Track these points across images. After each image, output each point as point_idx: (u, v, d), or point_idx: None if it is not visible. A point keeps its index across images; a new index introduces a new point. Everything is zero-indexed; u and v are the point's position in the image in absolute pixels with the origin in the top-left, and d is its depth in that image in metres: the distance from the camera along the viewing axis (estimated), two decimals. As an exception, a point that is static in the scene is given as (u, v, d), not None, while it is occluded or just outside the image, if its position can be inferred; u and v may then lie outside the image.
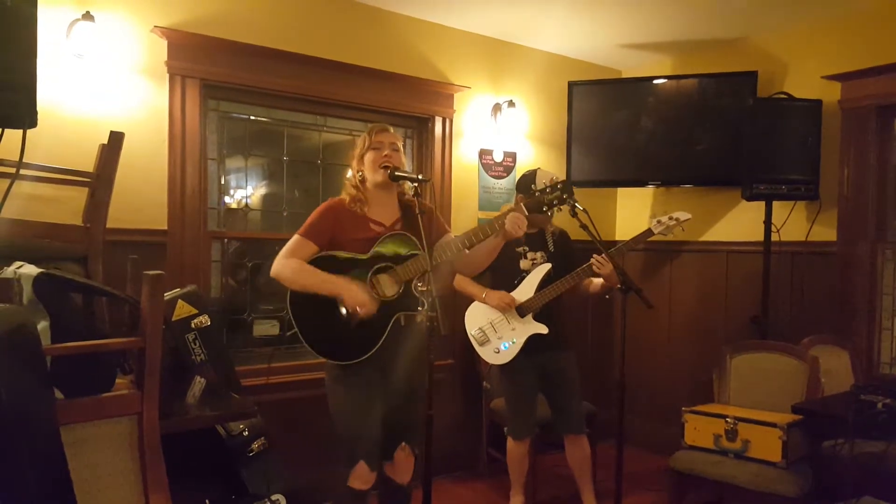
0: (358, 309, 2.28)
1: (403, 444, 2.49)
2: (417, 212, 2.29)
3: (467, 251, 2.43)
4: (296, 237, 2.41)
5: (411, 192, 2.47)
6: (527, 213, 2.41)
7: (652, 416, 4.35)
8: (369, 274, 2.37)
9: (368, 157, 2.44)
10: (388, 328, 2.36)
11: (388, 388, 2.41)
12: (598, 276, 3.02)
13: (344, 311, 2.31)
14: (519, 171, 3.91)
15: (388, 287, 2.39)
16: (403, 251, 2.42)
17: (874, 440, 2.57)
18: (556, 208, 2.43)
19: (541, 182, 2.99)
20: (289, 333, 3.40)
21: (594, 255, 2.93)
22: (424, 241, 2.27)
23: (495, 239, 2.42)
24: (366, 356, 2.34)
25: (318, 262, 2.37)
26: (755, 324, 3.74)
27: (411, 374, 2.44)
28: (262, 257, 3.47)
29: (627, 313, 2.76)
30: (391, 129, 2.51)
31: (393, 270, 2.39)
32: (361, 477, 2.38)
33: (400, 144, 2.49)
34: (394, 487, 2.54)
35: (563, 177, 3.59)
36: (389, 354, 2.38)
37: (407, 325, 2.42)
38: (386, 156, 2.42)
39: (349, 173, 2.55)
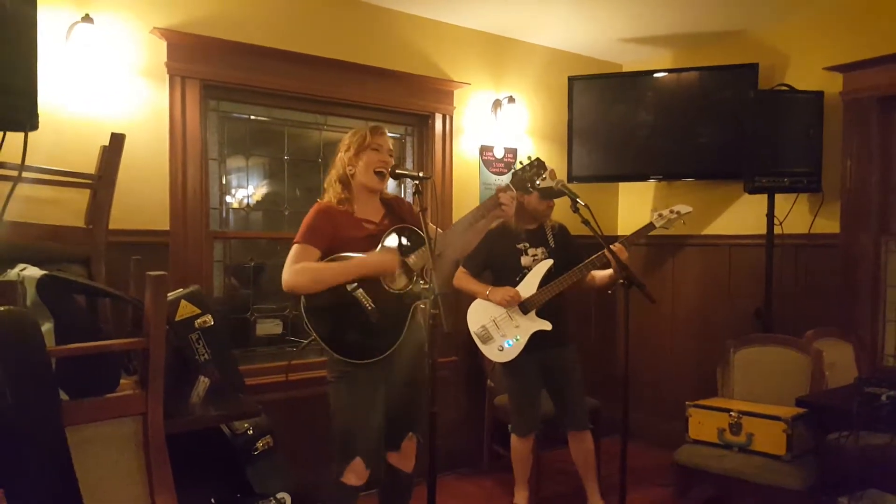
0: (389, 272, 2.34)
1: (410, 434, 2.53)
2: (419, 210, 2.26)
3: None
4: (297, 246, 2.35)
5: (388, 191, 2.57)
6: (515, 192, 2.44)
7: (656, 411, 4.35)
8: None
9: (366, 156, 2.42)
10: (409, 319, 2.40)
11: (393, 381, 2.43)
12: (600, 268, 3.01)
13: (368, 305, 2.33)
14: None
15: (398, 280, 2.41)
16: (408, 243, 2.44)
17: (879, 432, 2.58)
18: (538, 184, 2.48)
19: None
20: (291, 338, 3.42)
21: (615, 244, 2.86)
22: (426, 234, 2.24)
23: (487, 221, 2.46)
24: (391, 350, 2.36)
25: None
26: (758, 317, 3.74)
27: (415, 365, 2.47)
28: (264, 256, 3.48)
29: (630, 308, 2.75)
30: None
31: (402, 262, 2.40)
32: (357, 472, 2.39)
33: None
34: (399, 475, 2.57)
35: (559, 170, 3.58)
36: (398, 346, 2.39)
37: (414, 317, 2.45)
38: (384, 161, 2.43)
39: (332, 173, 2.50)
